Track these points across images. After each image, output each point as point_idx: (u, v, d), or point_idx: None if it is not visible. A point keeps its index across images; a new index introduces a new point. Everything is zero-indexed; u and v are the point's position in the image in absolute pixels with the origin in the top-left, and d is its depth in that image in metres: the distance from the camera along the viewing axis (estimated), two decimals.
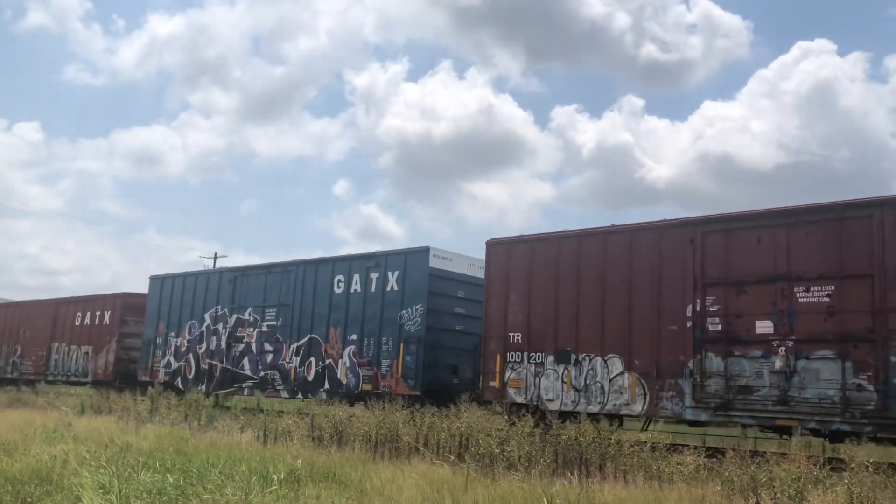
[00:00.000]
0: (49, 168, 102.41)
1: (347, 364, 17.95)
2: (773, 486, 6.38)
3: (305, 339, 19.24)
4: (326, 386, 18.11)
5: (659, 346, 12.54)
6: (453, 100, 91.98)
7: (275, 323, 20.07)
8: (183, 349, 22.40)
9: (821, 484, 6.73)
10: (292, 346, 19.53)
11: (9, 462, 8.53)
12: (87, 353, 26.94)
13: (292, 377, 19.04)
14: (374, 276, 18.13)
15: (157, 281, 24.24)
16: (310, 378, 18.57)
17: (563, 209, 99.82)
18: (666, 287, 12.60)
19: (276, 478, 7.61)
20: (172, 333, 23.12)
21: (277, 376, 19.55)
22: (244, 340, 20.73)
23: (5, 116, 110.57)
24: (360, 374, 17.47)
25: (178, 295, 23.05)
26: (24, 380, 29.39)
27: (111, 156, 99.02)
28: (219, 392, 20.47)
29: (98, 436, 10.46)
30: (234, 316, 21.41)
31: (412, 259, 17.36)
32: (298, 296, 19.49)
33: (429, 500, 6.28)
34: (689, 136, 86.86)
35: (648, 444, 8.29)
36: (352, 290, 18.30)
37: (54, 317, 29.20)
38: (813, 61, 74.55)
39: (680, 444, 10.73)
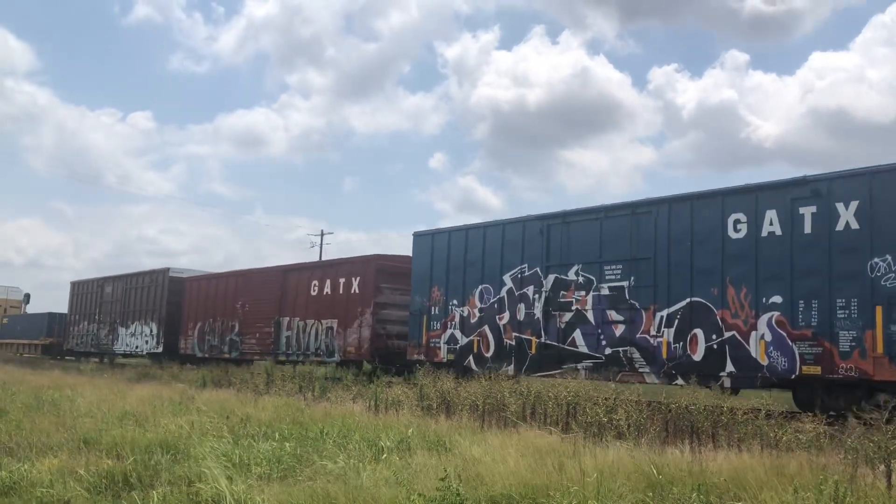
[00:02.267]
0: (161, 154, 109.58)
1: (768, 338, 13.48)
2: None
3: (682, 303, 14.71)
4: (730, 368, 13.87)
5: None
6: (546, 65, 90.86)
7: (622, 284, 15.76)
8: (473, 320, 18.64)
9: None
10: (659, 315, 15.06)
11: (141, 432, 9.26)
12: (330, 328, 23.30)
13: (663, 355, 14.82)
14: (805, 210, 13.37)
15: (424, 238, 20.64)
16: (696, 357, 14.33)
17: (667, 173, 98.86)
18: None
19: (386, 446, 7.71)
20: (455, 301, 19.23)
21: (636, 354, 15.32)
22: (572, 308, 16.57)
23: (120, 107, 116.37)
24: (796, 351, 13.12)
25: (459, 254, 19.33)
26: (245, 360, 26.66)
27: (217, 139, 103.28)
28: (540, 374, 16.67)
29: (219, 407, 11.48)
30: (552, 276, 17.05)
31: (885, 181, 12.57)
32: (662, 245, 15.17)
33: (535, 468, 6.23)
34: (798, 90, 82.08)
35: (763, 412, 7.98)
36: (763, 234, 13.81)
37: (282, 287, 25.67)
38: None
39: (797, 412, 10.24)
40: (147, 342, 32.52)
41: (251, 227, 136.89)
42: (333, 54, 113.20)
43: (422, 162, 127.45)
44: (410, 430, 10.02)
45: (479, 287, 18.52)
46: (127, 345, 34.27)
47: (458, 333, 18.87)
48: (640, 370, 15.08)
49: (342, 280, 22.94)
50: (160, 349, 31.27)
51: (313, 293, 23.90)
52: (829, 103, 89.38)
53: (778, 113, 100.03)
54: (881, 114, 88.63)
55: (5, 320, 50.47)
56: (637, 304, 15.36)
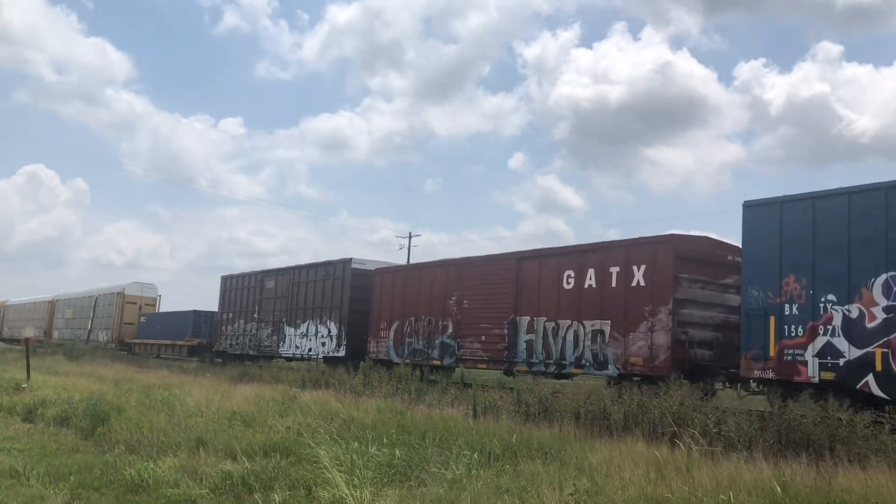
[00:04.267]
0: (250, 158, 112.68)
1: None
2: None
3: None
4: None
5: None
6: (628, 62, 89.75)
7: None
8: (872, 324, 13.11)
9: None
10: None
11: (251, 433, 9.49)
12: (599, 332, 17.65)
13: None
14: None
15: (766, 210, 14.73)
16: None
17: (757, 170, 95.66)
18: None
19: (494, 453, 7.71)
20: (831, 297, 13.62)
21: None
22: None
23: (212, 114, 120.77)
24: None
25: (834, 228, 13.70)
26: (463, 368, 22.48)
27: (303, 143, 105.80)
28: None
29: (321, 408, 11.76)
30: None
31: None
32: None
33: (652, 481, 6.11)
34: None
35: (887, 427, 7.63)
36: None
37: (517, 278, 20.18)
38: None
39: None
40: (324, 344, 27.65)
41: (336, 229, 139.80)
42: (413, 57, 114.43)
43: (501, 163, 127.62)
44: (514, 437, 9.98)
45: (883, 276, 12.99)
46: (297, 347, 29.40)
47: (840, 343, 13.31)
48: None
49: (615, 269, 17.49)
50: (342, 352, 26.56)
51: (567, 286, 18.58)
52: None
53: (875, 106, 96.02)
54: None
55: (143, 318, 45.93)
56: None
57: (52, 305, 58.04)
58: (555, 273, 19.10)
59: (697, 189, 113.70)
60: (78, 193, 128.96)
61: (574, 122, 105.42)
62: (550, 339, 18.88)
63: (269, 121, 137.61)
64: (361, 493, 6.93)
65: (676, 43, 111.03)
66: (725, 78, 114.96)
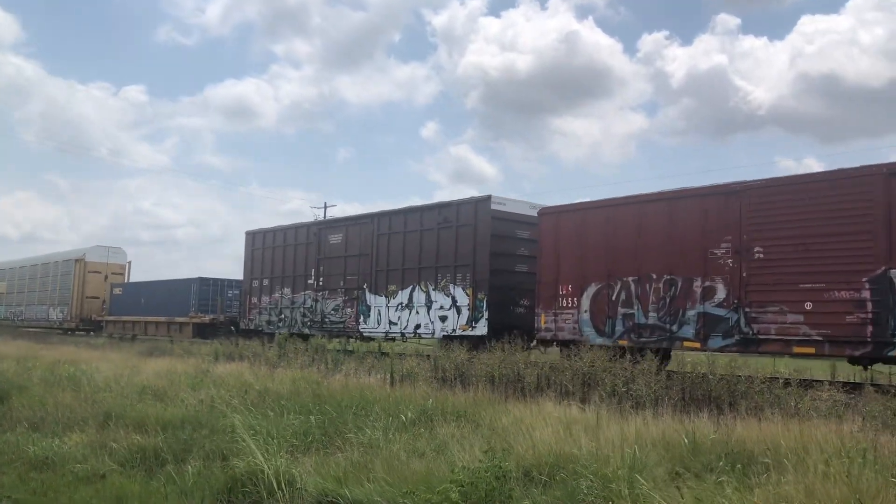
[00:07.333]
0: (154, 126, 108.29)
1: None
2: None
3: None
4: None
5: None
6: (535, 31, 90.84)
7: None
8: None
9: None
10: None
11: (163, 407, 9.23)
12: None
13: None
14: None
15: None
16: None
17: (661, 141, 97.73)
18: None
19: (409, 418, 7.82)
20: None
21: None
22: None
23: (113, 81, 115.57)
24: None
25: None
26: (766, 351, 13.73)
27: (208, 110, 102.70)
28: None
29: (235, 381, 11.35)
30: None
31: None
32: None
33: (562, 439, 6.31)
34: (787, 55, 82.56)
35: (781, 381, 8.11)
36: None
37: (888, 205, 12.43)
38: None
39: (815, 380, 10.37)
40: (444, 318, 19.86)
41: (246, 199, 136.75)
42: (319, 23, 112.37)
43: (414, 132, 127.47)
44: (430, 402, 10.12)
45: None
46: (391, 322, 21.36)
47: None
48: None
49: None
50: (481, 329, 18.83)
51: None
52: (820, 68, 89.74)
53: (769, 78, 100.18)
54: (874, 77, 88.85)
55: (118, 290, 36.26)
56: None
57: None
58: None
59: (605, 159, 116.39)
60: None
61: (484, 91, 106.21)
62: None
63: (173, 88, 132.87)
64: (277, 461, 6.94)
65: (582, 12, 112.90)
66: (630, 49, 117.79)
